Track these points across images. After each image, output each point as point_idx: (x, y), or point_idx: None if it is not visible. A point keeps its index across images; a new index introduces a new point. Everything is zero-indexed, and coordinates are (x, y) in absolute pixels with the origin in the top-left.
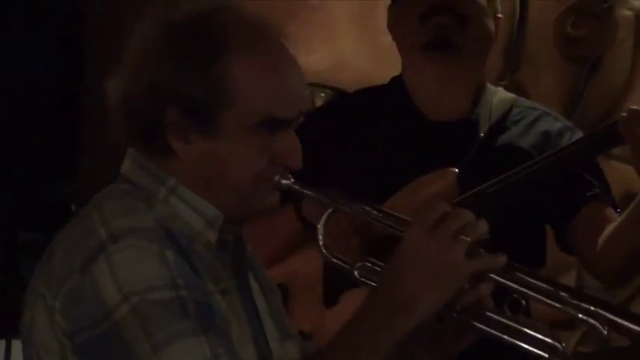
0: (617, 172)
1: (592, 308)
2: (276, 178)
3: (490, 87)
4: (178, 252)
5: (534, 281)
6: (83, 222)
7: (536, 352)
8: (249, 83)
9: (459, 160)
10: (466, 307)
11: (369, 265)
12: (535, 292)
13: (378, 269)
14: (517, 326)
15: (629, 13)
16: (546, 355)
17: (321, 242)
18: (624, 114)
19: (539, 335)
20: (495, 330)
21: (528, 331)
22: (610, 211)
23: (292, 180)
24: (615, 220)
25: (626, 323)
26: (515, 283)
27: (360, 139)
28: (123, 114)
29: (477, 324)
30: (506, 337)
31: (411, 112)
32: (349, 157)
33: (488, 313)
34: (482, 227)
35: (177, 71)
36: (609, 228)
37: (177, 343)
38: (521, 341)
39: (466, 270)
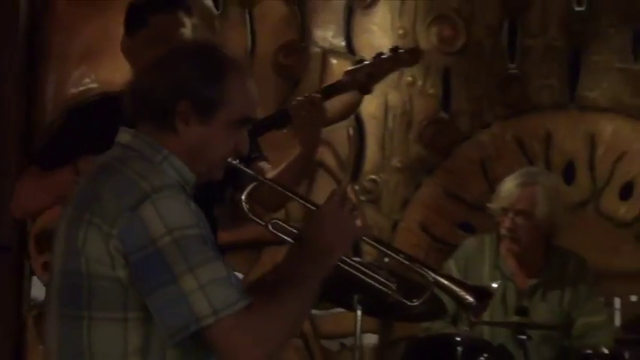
0: None
1: (419, 265)
2: (229, 159)
3: None
4: (193, 202)
5: (386, 245)
6: (117, 175)
7: (381, 282)
8: (238, 94)
9: None
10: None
11: (278, 222)
12: (388, 250)
13: (285, 225)
14: (366, 270)
15: (318, 50)
16: (393, 287)
17: (245, 206)
18: (294, 102)
19: (379, 277)
20: (351, 269)
21: (371, 273)
22: (264, 164)
23: (237, 161)
24: (270, 170)
25: (442, 280)
26: (377, 243)
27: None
28: (141, 99)
29: (345, 267)
30: (358, 274)
31: None
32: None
33: (352, 261)
34: (362, 209)
35: (198, 78)
36: (269, 174)
37: (207, 264)
38: (367, 277)
39: (358, 232)
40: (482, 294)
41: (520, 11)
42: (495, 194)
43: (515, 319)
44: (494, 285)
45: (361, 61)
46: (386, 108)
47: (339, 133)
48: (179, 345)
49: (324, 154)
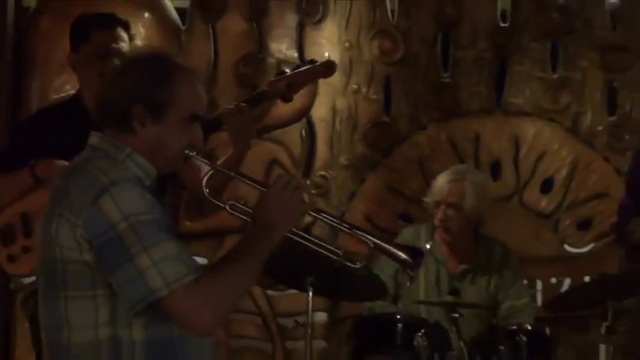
0: (263, 147)
1: (361, 232)
2: (186, 151)
3: None
4: (148, 192)
5: (329, 216)
6: (83, 173)
7: (328, 250)
8: (185, 95)
9: None
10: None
11: (235, 204)
12: (333, 221)
13: (241, 206)
14: (315, 239)
15: (273, 60)
16: (339, 253)
17: (206, 191)
18: (225, 110)
19: (327, 245)
20: (302, 240)
21: (320, 242)
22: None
23: (194, 153)
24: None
25: (382, 244)
26: (322, 215)
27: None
28: (103, 107)
29: (295, 237)
30: (308, 243)
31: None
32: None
33: (301, 233)
34: (306, 186)
35: (148, 83)
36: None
37: (159, 244)
38: (315, 246)
39: (304, 208)
40: (416, 252)
41: (452, 26)
42: (430, 189)
43: (448, 299)
44: (427, 246)
45: (282, 72)
46: (334, 112)
47: (293, 134)
48: (142, 314)
49: (279, 153)
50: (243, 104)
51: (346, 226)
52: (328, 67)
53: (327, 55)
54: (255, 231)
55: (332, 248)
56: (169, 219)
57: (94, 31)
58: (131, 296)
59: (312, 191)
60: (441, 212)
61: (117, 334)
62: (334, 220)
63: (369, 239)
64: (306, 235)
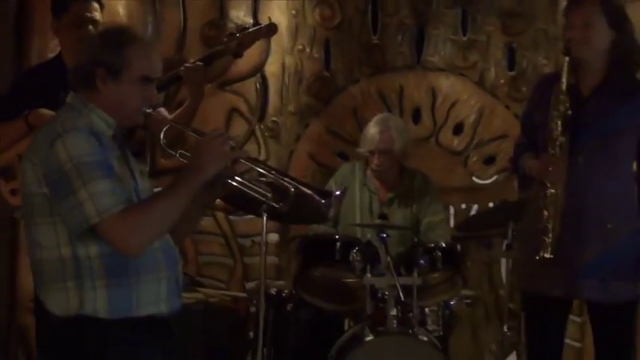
0: (225, 98)
1: (287, 178)
2: (144, 108)
3: None
4: (96, 139)
5: (261, 164)
6: (49, 124)
7: (258, 192)
8: (138, 59)
9: None
10: (228, 173)
11: (183, 152)
12: (261, 168)
13: (187, 154)
14: (248, 183)
15: (233, 25)
16: (267, 196)
17: (163, 142)
18: (183, 67)
19: (260, 189)
20: (238, 184)
21: (251, 185)
22: (163, 110)
23: (150, 109)
24: (167, 114)
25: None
26: (252, 162)
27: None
28: (75, 71)
29: (230, 181)
30: (242, 187)
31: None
32: None
33: (236, 177)
34: (235, 138)
35: (107, 52)
36: (169, 117)
37: (96, 181)
38: (249, 190)
39: (231, 155)
40: (329, 194)
41: None
42: (362, 140)
43: (378, 222)
44: (337, 192)
45: (232, 33)
46: (283, 68)
47: (249, 86)
48: (90, 235)
49: (238, 102)
50: (198, 62)
51: (273, 172)
52: (270, 29)
53: (273, 20)
54: (186, 171)
55: (261, 191)
56: (116, 161)
57: (72, 1)
58: (71, 223)
59: (266, 134)
60: (376, 159)
61: (76, 251)
62: (263, 166)
63: (291, 184)
64: (240, 179)
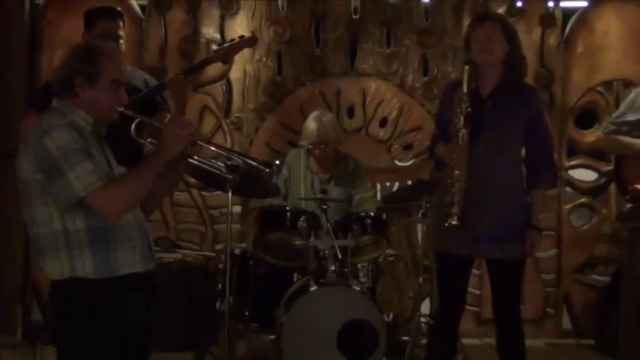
0: (198, 97)
1: (236, 154)
2: (117, 107)
3: None
4: (77, 132)
5: (214, 144)
6: (38, 124)
7: (214, 167)
8: (107, 68)
9: None
10: (188, 153)
11: (152, 140)
12: (215, 147)
13: (154, 141)
14: (205, 160)
15: (204, 40)
16: (221, 169)
17: (133, 133)
18: (168, 78)
19: (215, 165)
20: (198, 162)
21: (207, 162)
22: (166, 113)
23: (122, 108)
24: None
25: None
26: (206, 144)
27: None
28: (58, 81)
29: (190, 160)
30: (201, 165)
31: None
32: None
33: (195, 156)
34: (194, 124)
35: (83, 63)
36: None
37: (81, 164)
38: (207, 166)
39: (190, 138)
40: (270, 165)
41: (321, 18)
42: (303, 135)
43: (319, 196)
44: (277, 162)
45: (222, 44)
46: (245, 74)
47: (217, 88)
48: (80, 210)
49: (209, 101)
50: (180, 75)
51: (225, 151)
52: (252, 40)
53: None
54: (154, 151)
55: (216, 166)
56: (93, 147)
57: (98, 20)
58: (62, 198)
59: (231, 127)
60: (318, 150)
61: (66, 225)
62: (216, 146)
63: (240, 158)
64: (198, 158)
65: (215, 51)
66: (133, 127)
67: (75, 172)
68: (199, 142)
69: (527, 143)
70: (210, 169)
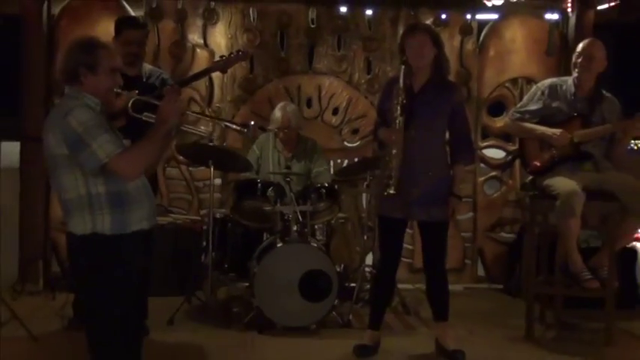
0: (186, 91)
1: (219, 120)
2: (115, 89)
3: None
4: (93, 111)
5: (200, 114)
6: (59, 106)
7: (200, 132)
8: (105, 58)
9: None
10: (180, 122)
11: (148, 114)
12: (201, 115)
13: (151, 115)
14: (192, 127)
15: (190, 44)
16: (204, 135)
17: (130, 109)
18: (166, 87)
19: (200, 131)
20: (186, 129)
21: (195, 129)
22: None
23: (119, 90)
24: None
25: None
26: (194, 113)
27: None
28: (63, 72)
29: (181, 127)
30: (189, 130)
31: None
32: None
33: (185, 125)
34: (183, 100)
35: (85, 55)
36: None
37: (101, 136)
38: (194, 131)
39: (180, 110)
40: (246, 125)
41: (286, 27)
42: (271, 121)
43: (284, 171)
44: (252, 123)
45: (222, 56)
46: (222, 74)
47: (202, 83)
48: (101, 176)
49: (194, 94)
50: (175, 85)
51: (209, 117)
52: (245, 54)
53: (218, 42)
54: (155, 124)
55: (200, 133)
56: (108, 123)
57: (124, 28)
58: (89, 166)
59: (212, 114)
60: (283, 134)
61: (89, 190)
62: (203, 115)
63: (222, 123)
64: (187, 126)
65: (216, 62)
66: (130, 104)
67: (97, 142)
68: (187, 112)
69: (451, 128)
70: (197, 133)
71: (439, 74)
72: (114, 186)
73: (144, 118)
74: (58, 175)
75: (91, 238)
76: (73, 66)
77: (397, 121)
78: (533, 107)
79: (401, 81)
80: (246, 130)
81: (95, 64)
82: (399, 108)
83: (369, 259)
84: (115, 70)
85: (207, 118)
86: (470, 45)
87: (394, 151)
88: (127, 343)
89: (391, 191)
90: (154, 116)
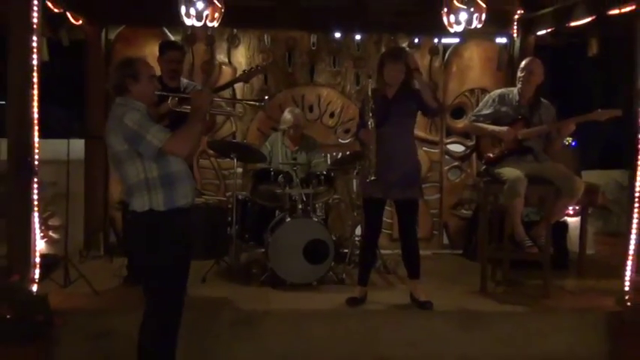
0: None
1: (239, 100)
2: (155, 92)
3: None
4: (139, 112)
5: (225, 99)
6: (114, 112)
7: (227, 111)
8: (144, 67)
9: None
10: (210, 107)
11: (185, 107)
12: (226, 99)
13: (186, 107)
14: (218, 109)
15: (217, 62)
16: (232, 113)
17: (170, 104)
18: (192, 92)
19: (226, 110)
20: (216, 112)
21: (222, 110)
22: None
23: (159, 92)
24: None
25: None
26: (220, 99)
27: None
28: (114, 86)
29: (211, 111)
30: (217, 111)
31: (162, 85)
32: None
33: (213, 109)
34: (211, 87)
35: (128, 69)
36: None
37: (153, 127)
38: (221, 111)
39: (210, 98)
40: (262, 99)
41: (292, 49)
42: (282, 121)
43: (291, 162)
44: (266, 97)
45: (244, 70)
46: (244, 83)
47: (226, 94)
48: (155, 162)
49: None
50: (206, 88)
51: (230, 99)
52: (264, 68)
53: (240, 61)
54: (191, 112)
55: (227, 111)
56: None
57: (167, 49)
58: (148, 153)
59: (236, 118)
60: (292, 131)
61: (146, 175)
62: (227, 99)
63: (241, 102)
64: (215, 109)
65: (240, 75)
66: (169, 100)
67: (150, 133)
68: (216, 99)
69: (420, 103)
70: (224, 112)
71: (406, 86)
72: (164, 170)
73: (183, 110)
74: (122, 167)
75: (148, 214)
76: (121, 79)
77: (370, 123)
78: (486, 112)
79: (369, 91)
80: (263, 104)
81: (137, 73)
82: (370, 114)
83: (358, 231)
84: (153, 76)
85: (230, 101)
86: (437, 63)
87: (370, 147)
88: (177, 292)
89: (372, 178)
90: (189, 107)
